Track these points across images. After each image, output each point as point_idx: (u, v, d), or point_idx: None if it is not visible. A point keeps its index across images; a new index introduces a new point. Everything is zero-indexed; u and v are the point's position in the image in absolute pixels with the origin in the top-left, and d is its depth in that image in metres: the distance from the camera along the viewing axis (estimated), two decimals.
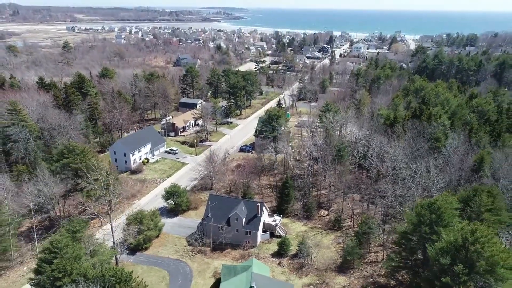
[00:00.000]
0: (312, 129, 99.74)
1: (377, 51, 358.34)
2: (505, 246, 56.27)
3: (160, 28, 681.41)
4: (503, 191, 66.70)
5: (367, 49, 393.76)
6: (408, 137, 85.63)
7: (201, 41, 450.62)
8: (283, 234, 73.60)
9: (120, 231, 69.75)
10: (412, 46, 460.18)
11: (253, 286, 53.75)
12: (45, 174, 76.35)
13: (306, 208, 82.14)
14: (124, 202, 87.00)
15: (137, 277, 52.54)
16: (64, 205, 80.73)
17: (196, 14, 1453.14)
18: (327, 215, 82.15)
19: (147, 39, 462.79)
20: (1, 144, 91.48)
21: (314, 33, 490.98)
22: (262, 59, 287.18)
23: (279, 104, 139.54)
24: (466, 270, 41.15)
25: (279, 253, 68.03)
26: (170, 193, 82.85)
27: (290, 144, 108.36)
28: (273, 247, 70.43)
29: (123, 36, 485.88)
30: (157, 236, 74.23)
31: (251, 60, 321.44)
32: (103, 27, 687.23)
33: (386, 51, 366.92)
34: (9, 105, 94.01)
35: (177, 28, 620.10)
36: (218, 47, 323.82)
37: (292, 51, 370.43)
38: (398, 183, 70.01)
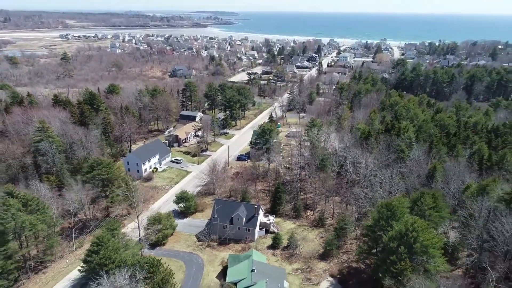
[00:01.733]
0: (300, 142, 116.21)
1: (362, 60, 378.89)
2: (445, 233, 73.45)
3: (152, 35, 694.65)
4: (454, 194, 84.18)
5: (354, 57, 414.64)
6: (379, 148, 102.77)
7: (194, 50, 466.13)
8: (276, 230, 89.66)
9: (141, 230, 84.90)
10: (397, 53, 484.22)
11: (254, 269, 69.64)
12: (78, 183, 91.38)
13: (295, 209, 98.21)
14: (140, 206, 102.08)
15: (165, 263, 68.15)
16: (92, 210, 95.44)
17: (187, 19, 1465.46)
18: (312, 214, 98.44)
19: (141, 48, 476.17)
20: (32, 158, 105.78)
21: (303, 42, 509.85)
22: (254, 71, 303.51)
23: (271, 118, 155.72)
24: (406, 250, 57.74)
25: (273, 246, 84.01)
26: (181, 198, 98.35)
27: (281, 154, 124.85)
28: (268, 241, 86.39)
29: (117, 45, 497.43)
30: (172, 234, 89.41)
31: (243, 70, 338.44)
32: (96, 34, 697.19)
33: (371, 59, 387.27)
34: (38, 123, 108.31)
35: (170, 36, 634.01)
36: (212, 58, 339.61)
37: (282, 60, 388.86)
38: (369, 188, 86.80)
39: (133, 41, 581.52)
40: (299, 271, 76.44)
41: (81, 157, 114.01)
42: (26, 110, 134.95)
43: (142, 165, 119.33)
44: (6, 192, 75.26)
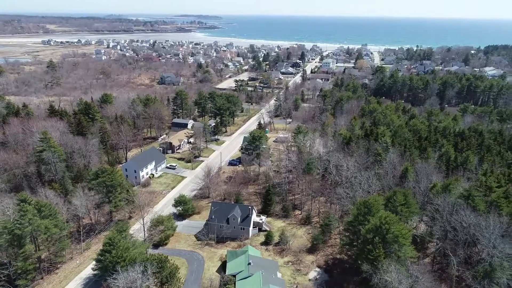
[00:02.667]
0: (287, 148, 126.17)
1: (344, 66, 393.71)
2: (415, 225, 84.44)
3: (137, 41, 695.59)
4: (423, 192, 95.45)
5: (336, 63, 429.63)
6: (359, 152, 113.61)
7: (180, 56, 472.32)
8: (268, 229, 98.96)
9: (145, 231, 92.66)
10: (377, 59, 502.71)
11: (250, 263, 78.68)
12: (82, 190, 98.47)
13: (284, 209, 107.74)
14: (145, 209, 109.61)
15: (171, 259, 76.49)
16: (97, 214, 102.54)
17: (171, 23, 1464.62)
18: (300, 213, 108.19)
19: (127, 54, 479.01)
20: (36, 167, 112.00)
21: (287, 48, 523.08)
22: (241, 78, 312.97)
23: (260, 124, 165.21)
24: (380, 240, 68.00)
25: (266, 242, 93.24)
26: (179, 202, 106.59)
27: (270, 159, 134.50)
28: (261, 238, 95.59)
29: (102, 52, 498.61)
30: (173, 235, 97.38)
31: (230, 77, 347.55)
32: (79, 40, 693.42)
33: (353, 65, 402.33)
34: (41, 133, 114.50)
35: (155, 42, 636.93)
36: (199, 65, 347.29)
37: (268, 66, 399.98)
38: (350, 188, 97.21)
39: (118, 47, 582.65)
40: (290, 263, 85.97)
41: (81, 165, 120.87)
42: (23, 121, 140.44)
43: (140, 171, 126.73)
44: (20, 199, 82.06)
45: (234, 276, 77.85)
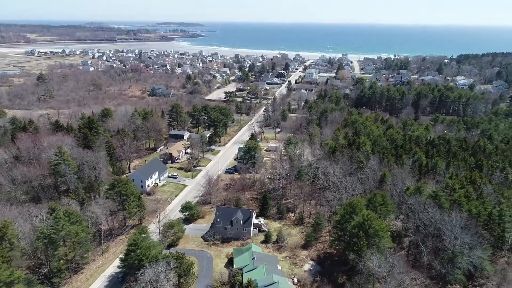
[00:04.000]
0: (280, 157, 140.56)
1: (327, 76, 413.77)
2: (393, 222, 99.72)
3: (122, 51, 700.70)
4: (399, 194, 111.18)
5: (319, 73, 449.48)
6: (344, 160, 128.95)
7: (168, 67, 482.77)
8: (266, 229, 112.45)
9: (158, 234, 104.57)
10: (357, 68, 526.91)
11: (254, 257, 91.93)
12: (96, 199, 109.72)
13: (279, 212, 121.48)
14: (150, 216, 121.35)
15: (186, 256, 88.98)
16: (113, 221, 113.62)
17: (153, 32, 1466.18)
18: (293, 215, 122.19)
19: (115, 65, 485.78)
20: (53, 179, 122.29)
21: (272, 58, 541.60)
22: (230, 89, 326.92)
23: (252, 135, 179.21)
24: (363, 234, 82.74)
25: (266, 241, 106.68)
26: (185, 207, 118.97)
27: (265, 167, 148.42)
28: (261, 237, 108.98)
29: (89, 62, 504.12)
30: (182, 237, 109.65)
31: (218, 88, 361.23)
32: (63, 50, 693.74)
33: (334, 75, 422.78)
34: (56, 148, 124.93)
35: (141, 52, 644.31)
36: (188, 77, 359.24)
37: (254, 76, 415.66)
38: (337, 192, 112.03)
39: (104, 58, 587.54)
40: (287, 258, 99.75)
41: (92, 176, 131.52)
42: (32, 136, 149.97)
43: (146, 181, 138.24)
44: (51, 208, 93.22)
45: (241, 269, 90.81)
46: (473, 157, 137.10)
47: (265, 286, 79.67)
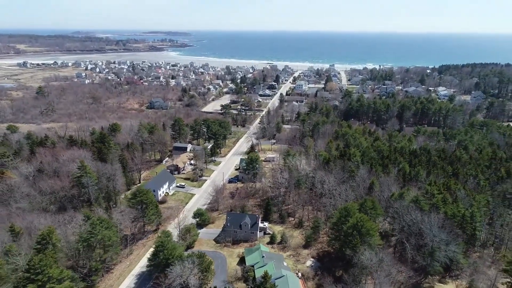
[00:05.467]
0: (281, 168, 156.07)
1: (316, 88, 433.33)
2: (381, 222, 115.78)
3: (114, 62, 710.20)
4: (386, 199, 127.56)
5: (308, 84, 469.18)
6: (337, 170, 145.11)
7: (161, 78, 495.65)
8: (270, 232, 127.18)
9: (179, 236, 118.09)
10: (344, 79, 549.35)
11: (263, 256, 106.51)
12: (121, 207, 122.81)
13: (280, 217, 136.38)
14: (164, 222, 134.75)
15: (206, 256, 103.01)
16: (135, 226, 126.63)
17: (142, 42, 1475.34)
18: (293, 219, 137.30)
19: (109, 77, 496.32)
20: (77, 190, 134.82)
21: (262, 70, 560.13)
22: (224, 102, 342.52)
23: (252, 147, 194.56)
24: (357, 233, 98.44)
25: (271, 242, 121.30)
26: (198, 214, 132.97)
27: (265, 176, 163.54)
28: (266, 239, 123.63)
29: (83, 75, 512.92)
30: (196, 240, 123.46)
31: (213, 100, 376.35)
32: (55, 61, 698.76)
33: (323, 86, 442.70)
34: (79, 162, 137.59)
35: (133, 63, 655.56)
36: (184, 90, 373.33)
37: (246, 88, 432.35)
38: (332, 198, 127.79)
39: (97, 69, 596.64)
40: (291, 256, 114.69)
41: (111, 187, 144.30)
42: (50, 150, 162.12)
43: (158, 190, 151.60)
44: (86, 215, 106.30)
45: (252, 266, 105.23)
46: (450, 166, 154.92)
47: (275, 279, 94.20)
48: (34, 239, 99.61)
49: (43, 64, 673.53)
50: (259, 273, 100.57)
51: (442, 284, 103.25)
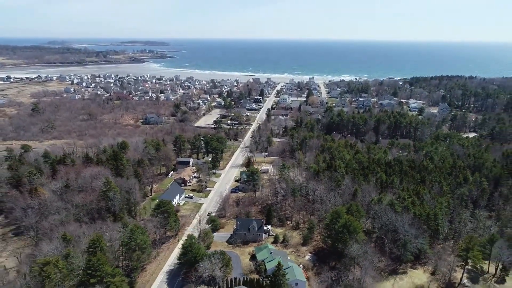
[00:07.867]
0: (278, 179, 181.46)
1: (298, 100, 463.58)
2: (364, 222, 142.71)
3: (99, 76, 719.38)
4: (367, 203, 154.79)
5: (291, 98, 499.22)
6: (325, 179, 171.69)
7: (150, 93, 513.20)
8: (273, 234, 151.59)
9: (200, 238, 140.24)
10: (324, 92, 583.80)
11: (271, 252, 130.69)
12: (148, 216, 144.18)
13: (280, 220, 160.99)
14: (182, 228, 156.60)
15: (226, 253, 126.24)
16: (158, 233, 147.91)
17: (122, 53, 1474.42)
18: (290, 223, 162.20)
19: (99, 92, 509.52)
20: (105, 203, 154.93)
21: (247, 85, 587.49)
22: (215, 117, 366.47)
23: (249, 160, 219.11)
24: (346, 231, 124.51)
25: (275, 241, 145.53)
26: (210, 220, 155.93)
27: (262, 186, 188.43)
28: (270, 239, 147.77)
29: (72, 90, 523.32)
30: (212, 242, 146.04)
31: (203, 114, 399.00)
32: (39, 76, 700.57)
33: (305, 99, 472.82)
34: (104, 179, 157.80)
35: (118, 77, 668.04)
36: (176, 105, 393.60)
37: (233, 102, 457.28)
38: (323, 204, 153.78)
39: (84, 84, 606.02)
40: (293, 252, 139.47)
41: (131, 199, 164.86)
42: (70, 168, 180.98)
43: (172, 201, 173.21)
44: (124, 224, 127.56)
45: (263, 261, 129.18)
46: (419, 174, 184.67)
47: (284, 269, 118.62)
48: (81, 245, 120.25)
49: (27, 78, 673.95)
50: (269, 266, 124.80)
51: (413, 270, 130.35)
